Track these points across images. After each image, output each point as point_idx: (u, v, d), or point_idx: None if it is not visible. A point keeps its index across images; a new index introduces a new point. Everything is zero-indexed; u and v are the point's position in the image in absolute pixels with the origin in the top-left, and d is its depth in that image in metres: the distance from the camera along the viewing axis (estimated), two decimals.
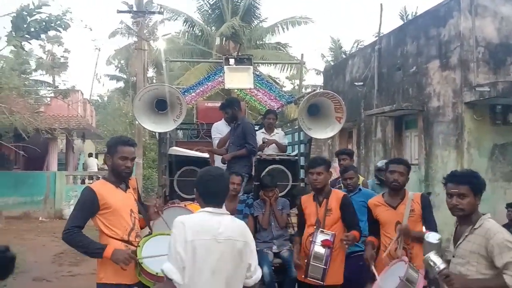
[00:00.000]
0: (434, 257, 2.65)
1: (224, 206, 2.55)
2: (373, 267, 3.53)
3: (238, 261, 2.41)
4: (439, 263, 2.62)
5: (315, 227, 3.89)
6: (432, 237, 3.02)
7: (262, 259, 4.58)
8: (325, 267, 3.65)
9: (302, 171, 5.68)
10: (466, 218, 2.69)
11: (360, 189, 4.68)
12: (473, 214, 2.68)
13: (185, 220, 2.41)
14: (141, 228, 3.33)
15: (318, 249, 3.71)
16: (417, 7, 25.29)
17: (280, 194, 4.95)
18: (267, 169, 5.21)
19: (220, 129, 5.87)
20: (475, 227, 2.63)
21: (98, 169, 17.81)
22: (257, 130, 5.92)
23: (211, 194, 2.49)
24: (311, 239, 3.81)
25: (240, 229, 2.50)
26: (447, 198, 2.73)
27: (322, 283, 3.71)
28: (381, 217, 3.73)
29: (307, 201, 4.10)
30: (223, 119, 5.94)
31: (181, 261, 2.30)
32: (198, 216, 2.49)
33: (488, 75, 8.39)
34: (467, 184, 2.65)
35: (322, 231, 3.80)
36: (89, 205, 2.99)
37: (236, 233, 2.43)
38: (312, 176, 3.92)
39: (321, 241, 3.72)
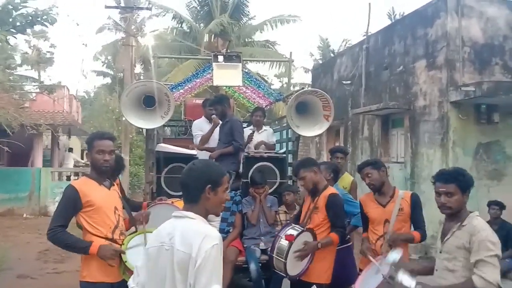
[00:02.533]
0: (403, 278, 2.66)
1: (197, 206, 2.08)
2: (370, 257, 3.58)
3: (177, 275, 1.94)
4: (410, 282, 2.63)
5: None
6: (392, 256, 2.91)
7: (249, 256, 4.62)
8: (285, 261, 3.68)
9: (290, 169, 5.70)
10: (455, 215, 2.73)
11: None
12: (462, 211, 2.72)
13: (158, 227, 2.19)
14: (127, 229, 3.31)
15: (281, 243, 3.76)
16: (404, 7, 25.56)
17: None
18: (255, 167, 5.22)
19: (200, 127, 5.87)
20: (463, 224, 2.67)
21: (74, 164, 17.56)
22: (245, 127, 5.93)
23: (181, 188, 2.16)
24: (276, 233, 3.94)
25: (188, 237, 1.95)
26: (435, 197, 2.76)
27: (285, 275, 3.82)
28: (370, 214, 3.77)
29: (307, 197, 4.14)
30: (203, 116, 5.94)
31: (136, 267, 2.17)
32: (167, 221, 2.16)
33: (474, 75, 8.51)
34: (454, 182, 2.68)
35: (293, 227, 3.85)
36: (71, 204, 2.96)
37: (180, 241, 1.96)
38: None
39: (285, 235, 3.75)
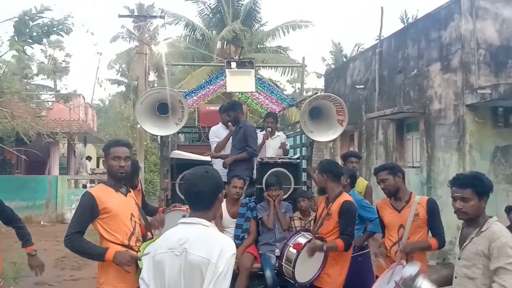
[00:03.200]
0: (422, 283, 2.61)
1: (210, 213, 2.13)
2: (380, 259, 3.53)
3: (192, 279, 1.96)
4: None
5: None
6: (408, 270, 2.79)
7: (265, 263, 4.60)
8: (293, 270, 3.70)
9: (304, 174, 5.67)
10: (473, 221, 2.67)
11: None
12: (480, 216, 2.65)
13: (163, 235, 2.19)
14: (143, 235, 3.32)
15: (290, 252, 3.78)
16: (417, 10, 25.40)
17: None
18: (269, 173, 5.20)
19: (217, 133, 5.87)
20: (482, 229, 2.60)
21: (88, 172, 17.83)
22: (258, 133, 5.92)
23: (188, 196, 2.16)
24: (285, 241, 3.95)
25: (206, 243, 1.99)
26: (452, 202, 2.72)
27: (294, 283, 3.84)
28: (386, 219, 3.74)
29: (321, 201, 4.12)
30: (220, 122, 5.96)
31: (143, 279, 2.11)
32: (172, 228, 2.16)
33: (489, 77, 8.40)
34: (470, 187, 2.63)
35: (303, 235, 3.84)
36: (88, 210, 2.98)
37: (196, 246, 1.98)
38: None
39: (293, 244, 3.76)
